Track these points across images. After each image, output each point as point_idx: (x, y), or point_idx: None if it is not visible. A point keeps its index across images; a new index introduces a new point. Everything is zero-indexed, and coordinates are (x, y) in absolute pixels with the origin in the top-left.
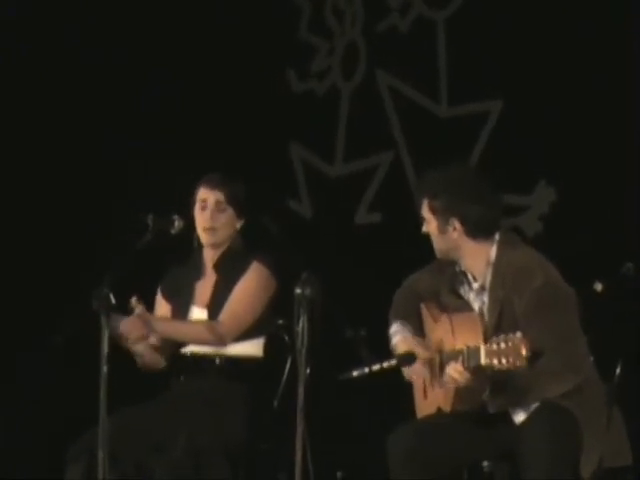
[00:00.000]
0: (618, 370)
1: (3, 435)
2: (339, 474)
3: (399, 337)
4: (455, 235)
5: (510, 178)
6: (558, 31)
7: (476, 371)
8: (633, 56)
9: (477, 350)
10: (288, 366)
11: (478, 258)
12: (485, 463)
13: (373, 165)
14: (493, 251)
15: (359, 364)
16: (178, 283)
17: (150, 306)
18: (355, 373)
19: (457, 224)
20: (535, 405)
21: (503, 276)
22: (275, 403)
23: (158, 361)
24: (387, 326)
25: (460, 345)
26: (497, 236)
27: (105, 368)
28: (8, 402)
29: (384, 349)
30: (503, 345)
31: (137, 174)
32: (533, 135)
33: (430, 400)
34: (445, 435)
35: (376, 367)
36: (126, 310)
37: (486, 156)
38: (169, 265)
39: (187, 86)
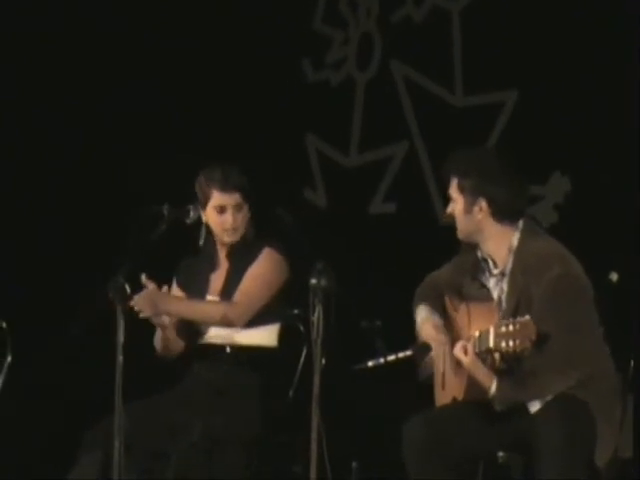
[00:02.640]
0: (632, 361)
1: (18, 424)
2: (354, 464)
3: (424, 314)
4: (480, 216)
5: (525, 168)
6: (573, 20)
7: (486, 357)
8: None
9: (487, 333)
10: (303, 356)
11: (500, 243)
12: (500, 453)
13: (388, 155)
14: (516, 238)
15: (374, 354)
16: (192, 274)
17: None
18: (370, 363)
19: (484, 204)
20: (551, 395)
21: (524, 263)
22: (290, 393)
23: (174, 348)
24: (401, 316)
25: (475, 332)
26: (521, 224)
27: (121, 358)
28: (24, 390)
29: (399, 339)
30: (511, 327)
31: (154, 165)
32: (548, 125)
33: (447, 389)
34: (460, 425)
35: (391, 357)
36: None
37: (501, 146)
38: (183, 256)
39: (203, 76)
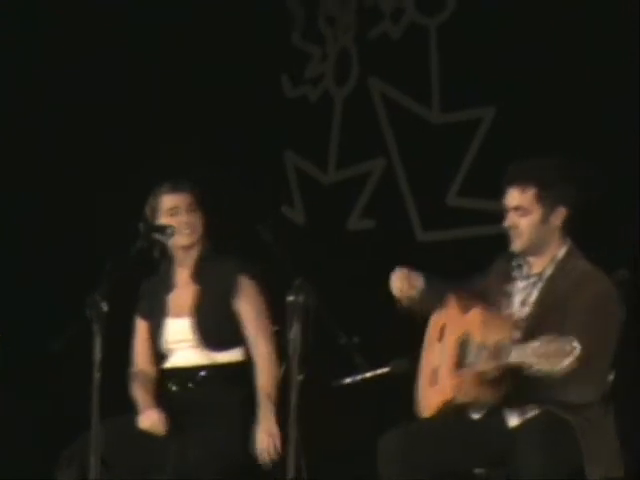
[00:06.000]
0: (611, 377)
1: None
2: None
3: None
4: (556, 224)
5: (502, 185)
6: (551, 37)
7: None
8: (632, 59)
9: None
10: (282, 372)
11: (546, 254)
12: (477, 470)
13: (366, 171)
14: (562, 251)
15: (352, 371)
16: (150, 299)
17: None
18: (348, 380)
19: (563, 213)
20: (532, 412)
21: (566, 273)
22: None
23: None
24: (380, 332)
25: (491, 339)
26: (569, 240)
27: (98, 375)
28: (4, 406)
29: (377, 356)
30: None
31: (130, 181)
32: (525, 141)
33: (441, 387)
34: (437, 440)
35: (369, 374)
36: (120, 319)
37: (478, 162)
38: (139, 284)
39: (180, 92)
